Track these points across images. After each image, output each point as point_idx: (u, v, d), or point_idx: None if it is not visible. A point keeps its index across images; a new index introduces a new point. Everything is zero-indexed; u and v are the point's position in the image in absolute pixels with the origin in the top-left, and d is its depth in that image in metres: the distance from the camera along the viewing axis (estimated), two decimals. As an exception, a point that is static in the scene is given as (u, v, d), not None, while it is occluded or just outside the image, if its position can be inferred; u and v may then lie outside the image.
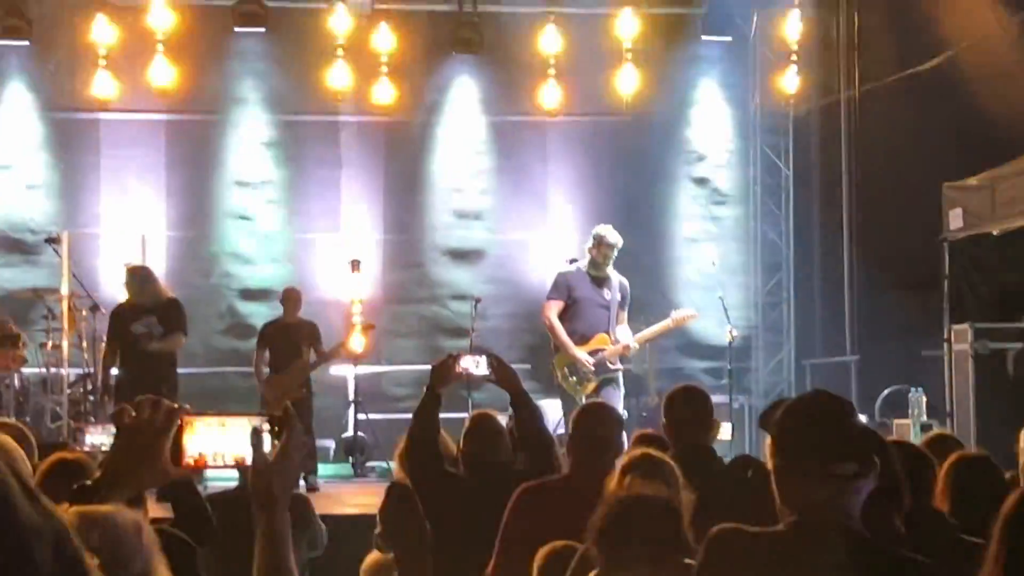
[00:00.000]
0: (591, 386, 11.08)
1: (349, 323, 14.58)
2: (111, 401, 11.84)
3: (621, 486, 4.81)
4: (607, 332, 11.16)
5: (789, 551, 3.12)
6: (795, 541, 3.12)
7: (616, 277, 11.31)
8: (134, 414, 2.59)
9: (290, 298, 13.15)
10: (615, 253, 11.26)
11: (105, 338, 12.40)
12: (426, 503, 6.41)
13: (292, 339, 12.86)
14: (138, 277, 12.32)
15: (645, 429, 7.49)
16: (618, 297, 11.23)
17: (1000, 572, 2.62)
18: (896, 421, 13.13)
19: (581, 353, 11.07)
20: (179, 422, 2.55)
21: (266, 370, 12.94)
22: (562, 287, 11.27)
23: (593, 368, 11.06)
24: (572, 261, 11.99)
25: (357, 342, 13.89)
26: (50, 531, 1.33)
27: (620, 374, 11.32)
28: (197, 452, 2.56)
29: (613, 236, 11.29)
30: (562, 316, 11.20)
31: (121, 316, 12.10)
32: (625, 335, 11.21)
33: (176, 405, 2.59)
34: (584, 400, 10.62)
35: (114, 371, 12.13)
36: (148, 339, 11.72)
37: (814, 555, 3.07)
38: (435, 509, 6.35)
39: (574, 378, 11.14)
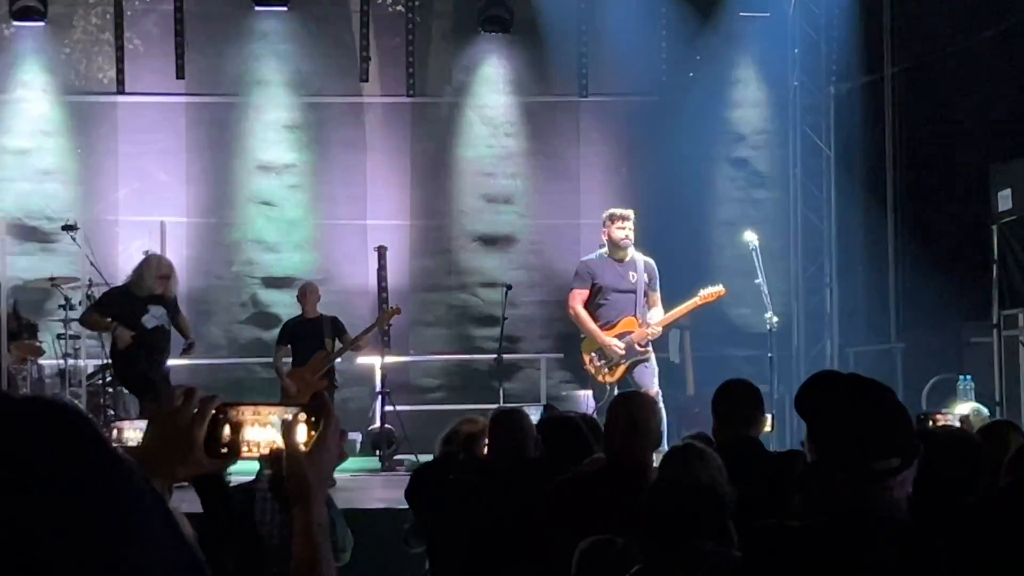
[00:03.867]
0: (621, 369, 10.91)
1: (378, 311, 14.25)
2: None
3: (663, 477, 4.87)
4: (634, 316, 10.93)
5: (834, 547, 3.01)
6: (839, 536, 3.01)
7: (641, 259, 11.11)
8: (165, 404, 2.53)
9: (307, 294, 12.77)
10: (631, 225, 10.91)
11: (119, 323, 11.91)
12: (454, 498, 6.50)
13: (316, 335, 12.46)
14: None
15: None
16: (645, 279, 11.03)
17: None
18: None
19: (609, 338, 10.89)
20: (213, 411, 2.47)
21: (286, 366, 12.52)
22: (585, 275, 11.13)
23: (623, 352, 10.74)
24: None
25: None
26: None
27: (652, 355, 11.13)
28: (230, 442, 2.48)
29: (619, 209, 11.10)
30: (588, 304, 11.06)
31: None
32: (655, 318, 10.89)
33: (211, 394, 2.51)
34: (612, 385, 10.67)
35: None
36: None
37: (860, 550, 2.97)
38: (463, 504, 6.39)
39: (602, 362, 10.94)
